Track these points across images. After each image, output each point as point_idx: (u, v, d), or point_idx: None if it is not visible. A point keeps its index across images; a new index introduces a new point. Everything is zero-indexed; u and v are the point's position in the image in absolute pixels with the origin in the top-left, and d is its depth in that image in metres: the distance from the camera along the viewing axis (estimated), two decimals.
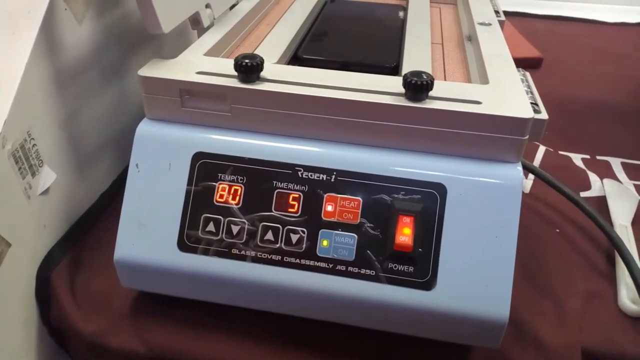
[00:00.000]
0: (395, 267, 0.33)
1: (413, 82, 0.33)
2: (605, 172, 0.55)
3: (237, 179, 0.35)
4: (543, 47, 0.82)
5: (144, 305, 0.39)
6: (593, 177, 0.54)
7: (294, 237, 0.34)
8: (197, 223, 0.35)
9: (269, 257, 0.34)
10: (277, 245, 0.34)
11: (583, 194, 0.51)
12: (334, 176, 0.34)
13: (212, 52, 0.40)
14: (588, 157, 0.58)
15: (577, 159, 0.57)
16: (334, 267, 0.33)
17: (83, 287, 0.40)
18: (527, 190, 0.51)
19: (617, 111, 0.67)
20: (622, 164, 0.56)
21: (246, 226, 0.34)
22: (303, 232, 0.34)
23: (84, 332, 0.38)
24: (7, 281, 0.37)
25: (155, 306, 0.39)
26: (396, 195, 0.34)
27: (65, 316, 0.38)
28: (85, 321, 0.38)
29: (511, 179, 0.33)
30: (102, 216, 0.46)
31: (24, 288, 0.39)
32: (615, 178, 0.54)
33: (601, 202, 0.50)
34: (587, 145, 0.59)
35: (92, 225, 0.45)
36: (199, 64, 0.37)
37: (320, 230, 0.34)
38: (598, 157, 0.58)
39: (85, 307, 0.39)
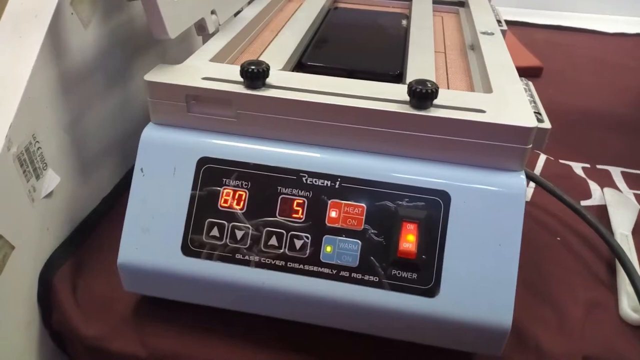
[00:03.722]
0: (399, 273, 0.33)
1: (418, 90, 0.33)
2: (606, 181, 0.55)
3: (242, 184, 0.35)
4: (543, 57, 0.83)
5: (146, 310, 0.39)
6: (593, 186, 0.54)
7: (298, 243, 0.34)
8: (201, 228, 0.35)
9: (273, 263, 0.34)
10: (281, 251, 0.34)
11: (583, 203, 0.51)
12: (338, 182, 0.35)
13: (218, 58, 0.41)
14: (588, 166, 0.58)
15: (578, 167, 0.57)
16: (337, 273, 0.34)
17: (85, 290, 0.40)
18: (528, 198, 0.52)
19: (616, 121, 0.67)
20: (622, 173, 0.57)
21: (250, 231, 0.35)
22: (307, 237, 0.34)
23: (86, 336, 0.37)
24: (10, 284, 0.37)
25: (157, 310, 0.39)
26: (400, 202, 0.34)
27: (66, 319, 0.38)
28: (87, 325, 0.38)
29: (514, 187, 0.33)
30: (104, 220, 0.46)
31: (27, 291, 0.39)
32: (615, 187, 0.54)
33: (601, 211, 0.50)
34: (587, 154, 0.60)
35: (94, 229, 0.45)
36: (205, 69, 0.37)
37: (324, 236, 0.34)
38: (598, 166, 0.58)
39: (87, 310, 0.39)
